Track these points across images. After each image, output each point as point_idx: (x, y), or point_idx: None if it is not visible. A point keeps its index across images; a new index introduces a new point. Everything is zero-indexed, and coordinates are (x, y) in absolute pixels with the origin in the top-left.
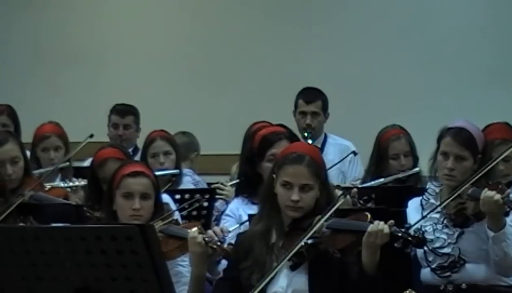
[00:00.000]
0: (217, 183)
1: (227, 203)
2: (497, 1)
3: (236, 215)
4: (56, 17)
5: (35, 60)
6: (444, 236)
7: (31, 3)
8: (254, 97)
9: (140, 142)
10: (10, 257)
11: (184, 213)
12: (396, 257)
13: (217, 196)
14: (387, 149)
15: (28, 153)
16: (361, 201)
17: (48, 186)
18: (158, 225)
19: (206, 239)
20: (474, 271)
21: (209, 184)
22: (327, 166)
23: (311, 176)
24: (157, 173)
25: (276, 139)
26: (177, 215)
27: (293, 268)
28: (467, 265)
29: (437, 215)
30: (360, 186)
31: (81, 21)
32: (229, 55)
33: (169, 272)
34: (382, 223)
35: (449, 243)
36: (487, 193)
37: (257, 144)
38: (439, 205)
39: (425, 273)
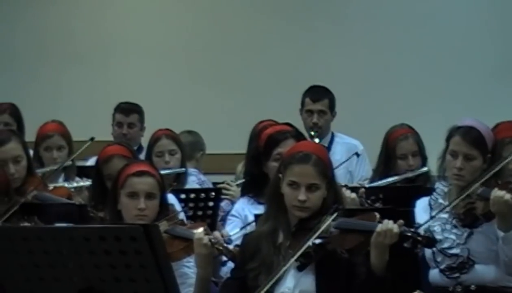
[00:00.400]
0: (222, 183)
1: (233, 203)
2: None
3: (241, 215)
4: (60, 15)
5: (38, 59)
6: (453, 237)
7: (35, 1)
8: (259, 95)
9: (144, 141)
10: (12, 258)
11: (190, 213)
12: (404, 257)
13: (223, 196)
14: (395, 149)
15: (31, 152)
16: (369, 201)
17: (51, 186)
18: (163, 225)
19: (212, 240)
20: (484, 272)
21: (214, 184)
22: (334, 165)
23: (318, 176)
24: (163, 172)
25: (282, 138)
26: (182, 216)
27: (300, 268)
28: (476, 266)
29: (446, 215)
30: (367, 185)
31: (85, 20)
32: (235, 54)
33: (174, 273)
34: (391, 222)
35: (458, 244)
36: (497, 193)
37: (263, 143)
38: (448, 205)
39: (434, 274)
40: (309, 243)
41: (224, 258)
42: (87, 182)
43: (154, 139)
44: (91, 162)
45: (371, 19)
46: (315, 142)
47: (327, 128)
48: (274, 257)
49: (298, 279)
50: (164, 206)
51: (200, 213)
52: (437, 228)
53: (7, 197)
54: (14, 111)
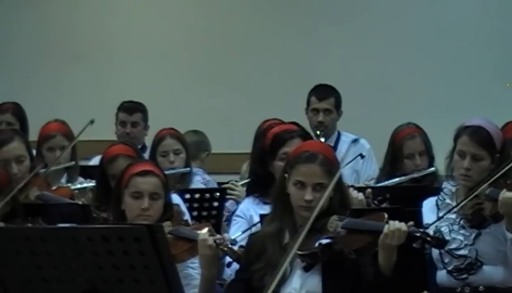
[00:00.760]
0: (227, 183)
1: (238, 203)
2: None
3: (246, 215)
4: (62, 15)
5: (41, 58)
6: (461, 237)
7: (37, 0)
8: (265, 94)
9: (148, 140)
10: (15, 258)
11: (194, 213)
12: (412, 258)
13: (228, 196)
14: (401, 148)
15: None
16: (375, 202)
17: (54, 186)
18: (168, 226)
19: (217, 241)
20: (492, 273)
21: (219, 184)
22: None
23: (324, 175)
24: (167, 172)
25: (288, 137)
26: (187, 216)
27: (306, 269)
28: (485, 267)
29: (453, 216)
30: (373, 185)
31: (87, 19)
32: (240, 53)
33: (178, 274)
34: (397, 222)
35: (465, 245)
36: (505, 194)
37: (269, 142)
38: (456, 206)
39: (441, 275)
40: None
41: (229, 259)
42: (90, 183)
43: (159, 139)
44: (94, 161)
45: (379, 18)
46: (321, 141)
47: (333, 127)
48: (280, 258)
49: (304, 279)
50: (169, 206)
51: (204, 213)
52: (444, 229)
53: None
54: (17, 111)
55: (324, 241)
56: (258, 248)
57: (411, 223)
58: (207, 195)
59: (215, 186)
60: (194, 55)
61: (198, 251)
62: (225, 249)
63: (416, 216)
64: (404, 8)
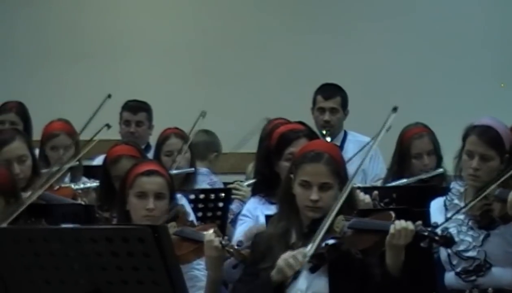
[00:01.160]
0: (233, 183)
1: (243, 203)
2: None
3: (253, 215)
4: (65, 13)
5: (44, 57)
6: (469, 239)
7: None
8: (270, 94)
9: (153, 140)
10: (18, 260)
11: (199, 214)
12: (420, 260)
13: (233, 196)
14: (409, 148)
15: (36, 151)
16: (382, 203)
17: (57, 186)
18: (172, 226)
19: (223, 242)
20: (501, 275)
21: (225, 184)
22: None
23: (330, 175)
24: (172, 172)
25: (294, 137)
26: (192, 217)
27: (313, 270)
28: (493, 269)
29: (462, 217)
30: (380, 185)
31: (90, 18)
32: (246, 52)
33: (182, 276)
34: (404, 221)
35: (474, 246)
36: None
37: (275, 142)
38: (464, 207)
39: (450, 277)
40: (322, 244)
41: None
42: (94, 183)
43: (163, 139)
44: (97, 161)
45: (385, 17)
46: (327, 141)
47: (340, 126)
48: None
49: (310, 280)
50: (174, 207)
51: (209, 214)
52: (452, 230)
53: (14, 198)
54: (20, 110)
55: (330, 242)
56: (263, 248)
57: (418, 222)
58: (212, 196)
59: (222, 187)
60: (199, 54)
61: (204, 252)
62: (231, 250)
63: (423, 217)
64: (411, 8)
